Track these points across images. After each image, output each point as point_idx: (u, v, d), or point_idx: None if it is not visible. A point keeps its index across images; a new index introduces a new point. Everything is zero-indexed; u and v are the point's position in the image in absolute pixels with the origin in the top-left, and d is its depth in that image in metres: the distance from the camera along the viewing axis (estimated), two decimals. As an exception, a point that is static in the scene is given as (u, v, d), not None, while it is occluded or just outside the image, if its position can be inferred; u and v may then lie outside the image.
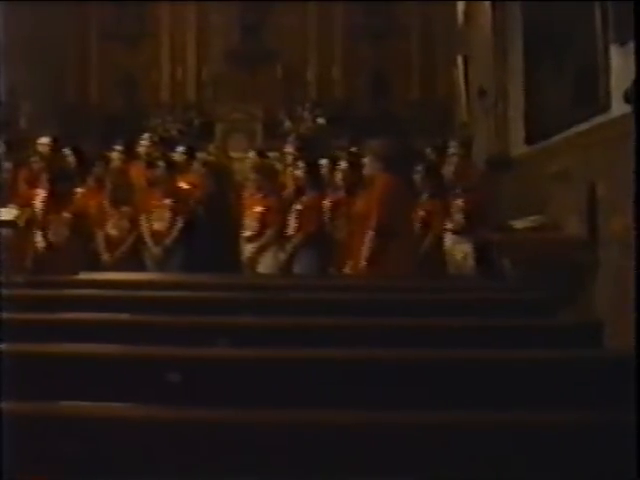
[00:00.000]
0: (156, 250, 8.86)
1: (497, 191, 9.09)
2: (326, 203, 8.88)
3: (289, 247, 8.75)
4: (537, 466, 2.90)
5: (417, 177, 8.77)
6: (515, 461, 2.89)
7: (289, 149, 10.48)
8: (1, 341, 3.80)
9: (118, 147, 9.99)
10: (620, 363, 3.77)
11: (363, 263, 7.57)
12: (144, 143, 10.41)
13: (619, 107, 5.59)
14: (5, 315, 4.32)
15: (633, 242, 5.35)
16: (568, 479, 2.91)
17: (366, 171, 8.07)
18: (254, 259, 8.79)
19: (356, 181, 8.53)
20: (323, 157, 9.72)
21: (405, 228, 7.96)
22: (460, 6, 12.19)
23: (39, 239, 8.42)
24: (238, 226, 9.09)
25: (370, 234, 7.55)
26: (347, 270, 8.06)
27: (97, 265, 8.47)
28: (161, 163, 9.24)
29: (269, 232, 8.81)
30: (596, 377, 3.65)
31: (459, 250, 8.35)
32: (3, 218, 8.31)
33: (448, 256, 8.44)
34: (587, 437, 2.94)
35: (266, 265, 8.77)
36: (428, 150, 9.84)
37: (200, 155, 10.57)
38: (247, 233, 8.89)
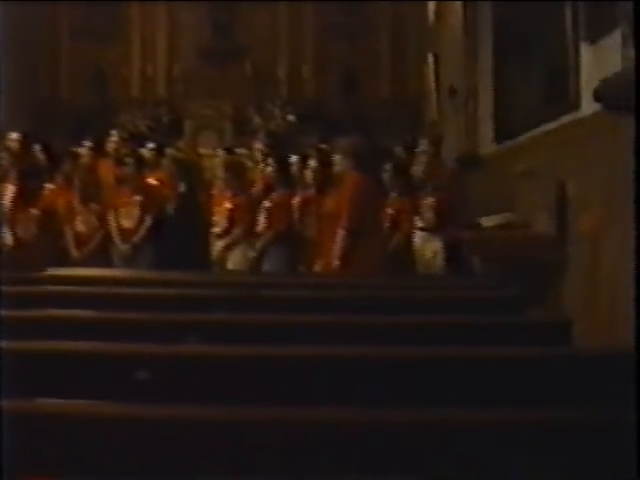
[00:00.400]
0: (124, 248, 8.81)
1: (467, 189, 9.12)
2: (296, 201, 8.85)
3: (258, 245, 8.72)
4: (511, 464, 2.90)
5: (386, 176, 8.77)
6: (491, 459, 2.89)
7: (259, 146, 10.45)
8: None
9: (87, 144, 9.93)
10: (590, 361, 3.79)
11: (336, 262, 7.55)
12: (112, 140, 10.35)
13: (589, 106, 5.61)
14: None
15: (602, 240, 5.39)
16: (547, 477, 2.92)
17: (336, 169, 8.06)
18: (223, 256, 8.78)
19: (326, 179, 8.52)
20: (293, 155, 9.70)
21: (375, 227, 7.96)
22: (431, 5, 12.22)
23: (7, 236, 8.36)
24: (208, 223, 9.06)
25: (341, 233, 7.54)
26: (317, 268, 8.05)
27: (66, 262, 8.41)
28: (130, 160, 9.19)
29: (238, 229, 8.78)
30: (566, 375, 3.65)
31: (429, 248, 8.35)
32: None
33: (417, 255, 8.44)
34: (562, 435, 2.94)
35: (235, 262, 8.75)
36: (398, 148, 9.84)
37: (169, 152, 10.52)
38: (216, 230, 8.87)
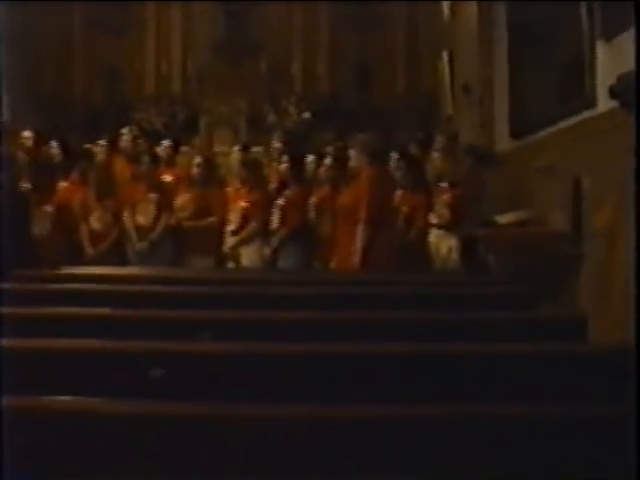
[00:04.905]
0: (140, 245, 8.82)
1: (482, 186, 9.09)
2: (313, 199, 8.81)
3: (274, 242, 8.71)
4: (521, 460, 2.89)
5: (399, 172, 8.72)
6: (499, 455, 2.88)
7: (276, 144, 10.46)
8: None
9: (103, 141, 9.93)
10: (604, 357, 3.78)
11: (357, 258, 7.56)
12: (125, 138, 10.33)
13: (605, 102, 5.60)
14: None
15: (617, 237, 5.37)
16: (553, 473, 2.91)
17: (352, 164, 8.06)
18: (236, 252, 8.77)
19: (341, 175, 8.51)
20: (309, 151, 9.68)
21: (390, 221, 7.96)
22: (445, 1, 12.18)
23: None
24: (223, 220, 9.04)
25: (361, 227, 7.55)
26: (332, 265, 8.04)
27: (80, 259, 8.43)
28: (145, 157, 9.21)
29: (252, 225, 8.76)
30: (580, 371, 3.64)
31: (444, 245, 8.32)
32: None
33: (433, 251, 8.42)
34: (573, 431, 2.93)
35: (250, 259, 8.74)
36: (412, 145, 9.82)
37: (185, 149, 10.50)
38: (231, 227, 8.86)
